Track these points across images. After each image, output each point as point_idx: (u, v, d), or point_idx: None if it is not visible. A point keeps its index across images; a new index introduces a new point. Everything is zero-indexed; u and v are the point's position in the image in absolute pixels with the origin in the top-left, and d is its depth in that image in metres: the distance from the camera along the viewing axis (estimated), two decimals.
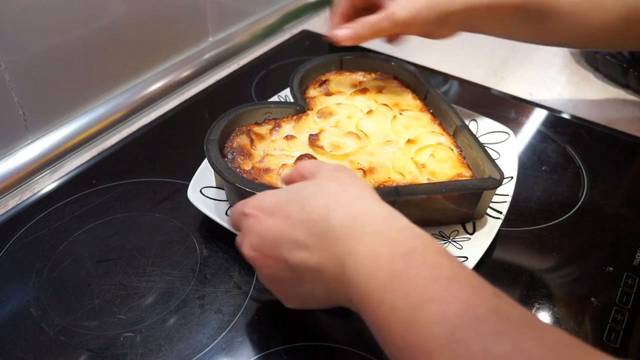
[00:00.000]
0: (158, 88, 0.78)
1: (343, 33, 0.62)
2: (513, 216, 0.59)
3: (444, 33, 0.66)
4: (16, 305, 0.49)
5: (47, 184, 0.63)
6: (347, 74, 0.70)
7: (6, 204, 0.61)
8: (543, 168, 0.67)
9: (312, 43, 0.95)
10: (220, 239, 0.55)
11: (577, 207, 0.61)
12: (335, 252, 0.35)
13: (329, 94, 0.66)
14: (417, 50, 0.93)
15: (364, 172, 0.54)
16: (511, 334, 0.27)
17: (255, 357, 0.45)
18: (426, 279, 0.31)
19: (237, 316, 0.48)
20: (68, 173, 0.65)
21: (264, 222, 0.39)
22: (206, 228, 0.56)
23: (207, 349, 0.45)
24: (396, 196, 0.50)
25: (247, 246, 0.40)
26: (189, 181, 0.57)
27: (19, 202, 0.61)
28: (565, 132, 0.74)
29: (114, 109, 0.73)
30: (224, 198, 0.56)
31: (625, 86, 0.84)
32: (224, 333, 0.47)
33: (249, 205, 0.41)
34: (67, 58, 0.66)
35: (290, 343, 0.46)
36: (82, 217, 0.58)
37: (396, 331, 0.30)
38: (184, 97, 0.80)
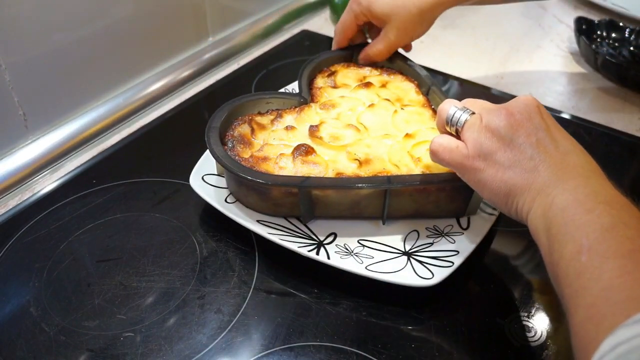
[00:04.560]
0: (158, 88, 0.78)
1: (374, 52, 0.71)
2: None
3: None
4: (16, 305, 0.49)
5: (47, 184, 0.63)
6: (354, 67, 0.71)
7: (6, 204, 0.61)
8: None
9: (311, 43, 0.95)
10: (220, 239, 0.55)
11: None
12: (567, 164, 0.42)
13: (335, 86, 0.68)
14: (417, 50, 0.92)
15: (360, 162, 0.54)
16: None
17: (255, 357, 0.45)
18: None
19: (237, 316, 0.48)
20: (68, 173, 0.65)
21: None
22: (206, 228, 0.56)
23: (207, 349, 0.45)
24: (388, 185, 0.50)
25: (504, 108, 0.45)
26: (189, 181, 0.57)
27: (19, 202, 0.61)
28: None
29: (114, 109, 0.73)
30: (225, 185, 0.57)
31: (625, 86, 0.84)
32: (224, 333, 0.47)
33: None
34: (67, 58, 0.66)
35: (291, 343, 0.46)
36: (82, 217, 0.58)
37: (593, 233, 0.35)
38: (184, 97, 0.80)
